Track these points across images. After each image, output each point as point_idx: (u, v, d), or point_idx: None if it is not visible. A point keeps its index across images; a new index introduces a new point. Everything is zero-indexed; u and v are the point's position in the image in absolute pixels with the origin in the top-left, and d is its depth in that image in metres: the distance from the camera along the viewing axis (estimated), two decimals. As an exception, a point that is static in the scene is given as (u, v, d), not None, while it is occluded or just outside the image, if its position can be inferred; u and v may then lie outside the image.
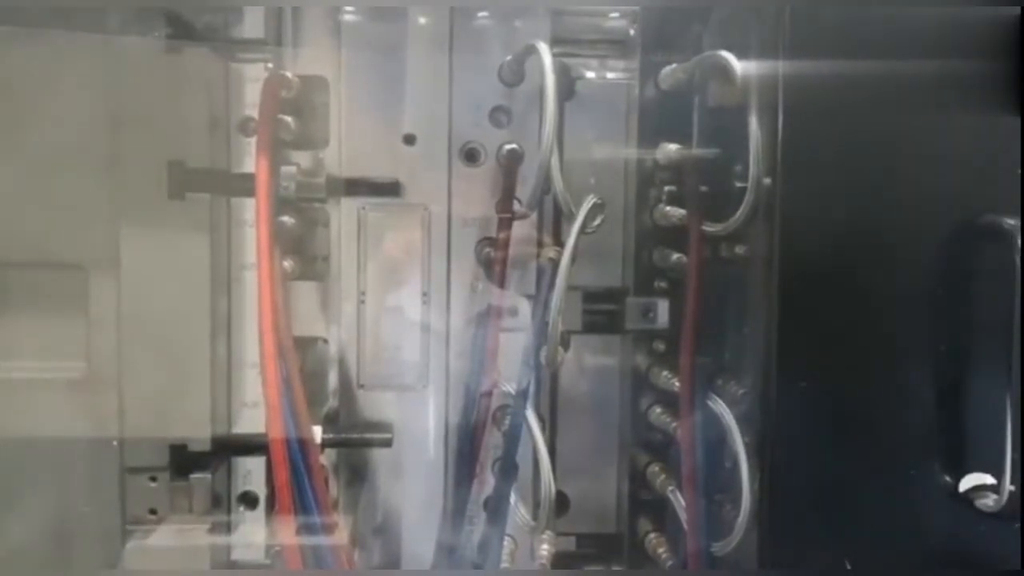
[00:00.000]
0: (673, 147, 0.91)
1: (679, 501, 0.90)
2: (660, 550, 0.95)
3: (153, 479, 0.86)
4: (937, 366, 0.77)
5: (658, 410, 0.96)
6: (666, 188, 0.93)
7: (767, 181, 0.77)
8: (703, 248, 0.87)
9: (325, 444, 0.88)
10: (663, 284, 0.96)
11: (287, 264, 0.84)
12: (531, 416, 0.86)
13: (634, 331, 0.97)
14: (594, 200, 0.81)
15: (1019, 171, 0.75)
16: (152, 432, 0.85)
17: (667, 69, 0.91)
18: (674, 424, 0.91)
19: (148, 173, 0.83)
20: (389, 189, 0.92)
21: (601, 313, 0.98)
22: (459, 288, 0.93)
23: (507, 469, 0.88)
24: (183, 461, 0.87)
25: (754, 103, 0.78)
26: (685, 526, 0.88)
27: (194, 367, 0.86)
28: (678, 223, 0.90)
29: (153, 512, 0.87)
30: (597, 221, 0.81)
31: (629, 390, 0.99)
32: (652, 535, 0.97)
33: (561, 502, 1.00)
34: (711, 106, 0.88)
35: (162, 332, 0.85)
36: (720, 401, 0.86)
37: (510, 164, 0.90)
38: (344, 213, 0.92)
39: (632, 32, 0.96)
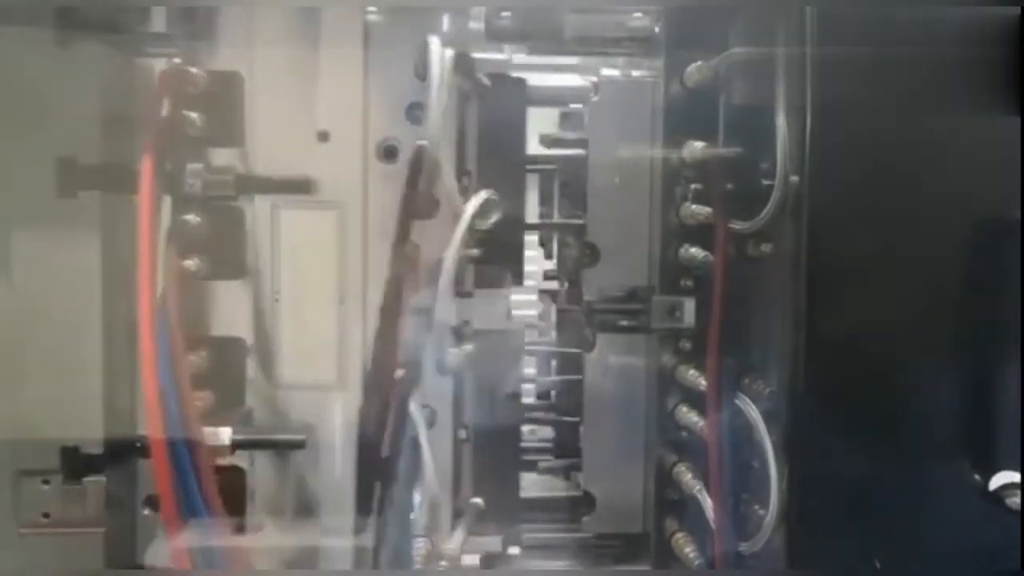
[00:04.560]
0: (699, 145, 0.91)
1: (706, 500, 0.90)
2: (687, 549, 0.95)
3: (46, 482, 0.83)
4: (966, 363, 0.76)
5: (684, 409, 0.96)
6: (692, 186, 0.93)
7: (795, 179, 0.77)
8: (729, 246, 0.87)
9: (237, 445, 0.85)
10: (689, 283, 0.96)
11: (193, 263, 0.82)
12: (417, 414, 0.83)
13: (660, 330, 0.97)
14: (486, 196, 0.79)
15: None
16: (43, 434, 0.82)
17: (692, 66, 0.91)
18: (701, 423, 0.91)
19: (37, 171, 0.80)
20: (303, 186, 0.88)
21: (627, 312, 0.98)
22: (376, 286, 0.88)
23: (395, 469, 0.85)
24: (76, 464, 0.83)
25: (781, 100, 0.78)
26: (712, 525, 0.88)
27: (86, 369, 0.82)
28: (704, 221, 0.90)
29: (46, 515, 0.83)
30: (493, 219, 0.80)
31: (656, 389, 0.99)
32: (679, 534, 0.97)
33: (587, 501, 1.00)
34: (737, 103, 0.87)
35: (52, 333, 0.81)
36: (747, 399, 0.86)
37: (423, 161, 0.85)
38: (258, 211, 0.89)
39: (657, 30, 0.96)
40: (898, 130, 0.75)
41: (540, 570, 0.91)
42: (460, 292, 0.90)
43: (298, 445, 0.88)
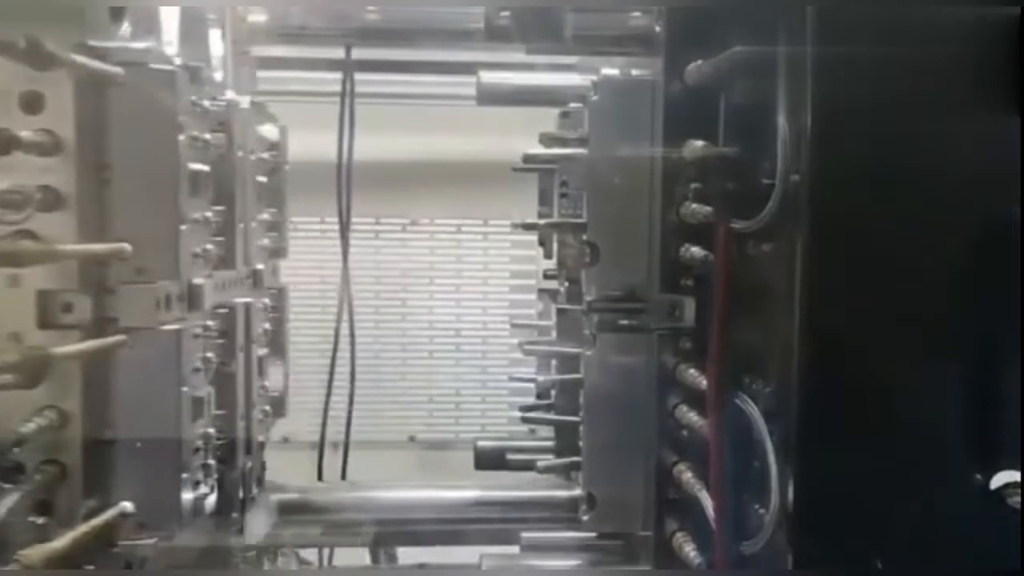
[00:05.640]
0: (699, 144, 0.91)
1: (707, 500, 0.90)
2: (687, 549, 0.95)
3: None
4: (967, 363, 0.76)
5: (684, 408, 0.95)
6: (692, 185, 0.93)
7: (795, 177, 0.77)
8: (730, 245, 0.87)
9: None
10: (689, 282, 0.96)
11: None
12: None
13: (660, 329, 0.97)
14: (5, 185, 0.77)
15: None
16: None
17: (693, 65, 0.91)
18: (701, 423, 0.91)
19: None
20: None
21: (627, 312, 0.97)
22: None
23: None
24: None
25: (782, 99, 0.78)
26: (712, 525, 0.88)
27: None
28: (705, 220, 0.90)
29: None
30: (23, 215, 0.80)
31: (656, 389, 0.99)
32: (679, 534, 0.97)
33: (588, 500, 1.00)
34: (737, 102, 0.87)
35: None
36: (747, 399, 0.86)
37: (42, 153, 0.84)
38: None
39: (657, 29, 0.96)
40: (899, 129, 0.75)
41: (540, 570, 0.91)
42: (105, 287, 0.88)
43: None
